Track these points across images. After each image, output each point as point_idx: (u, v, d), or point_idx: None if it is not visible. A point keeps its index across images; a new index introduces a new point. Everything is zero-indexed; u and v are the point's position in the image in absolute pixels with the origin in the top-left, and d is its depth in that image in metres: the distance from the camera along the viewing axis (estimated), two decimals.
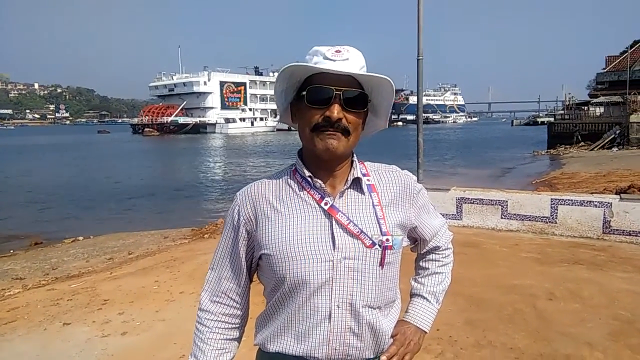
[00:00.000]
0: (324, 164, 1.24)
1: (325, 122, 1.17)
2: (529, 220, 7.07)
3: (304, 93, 1.20)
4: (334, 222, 1.21)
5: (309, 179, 1.24)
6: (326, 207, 1.22)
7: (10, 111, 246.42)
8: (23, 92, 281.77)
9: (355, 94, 1.19)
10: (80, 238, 10.53)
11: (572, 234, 6.77)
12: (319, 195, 1.23)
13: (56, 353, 3.86)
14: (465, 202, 7.50)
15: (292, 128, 1.32)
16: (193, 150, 46.39)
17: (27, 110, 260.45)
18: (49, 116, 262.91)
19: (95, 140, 70.77)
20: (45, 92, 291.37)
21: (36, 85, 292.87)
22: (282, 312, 1.25)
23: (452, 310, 4.12)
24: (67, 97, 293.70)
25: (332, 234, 1.20)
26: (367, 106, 1.24)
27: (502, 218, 7.24)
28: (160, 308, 4.80)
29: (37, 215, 14.41)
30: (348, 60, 1.18)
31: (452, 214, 7.50)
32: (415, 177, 1.40)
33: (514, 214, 7.16)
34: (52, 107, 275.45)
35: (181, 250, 7.96)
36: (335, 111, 1.16)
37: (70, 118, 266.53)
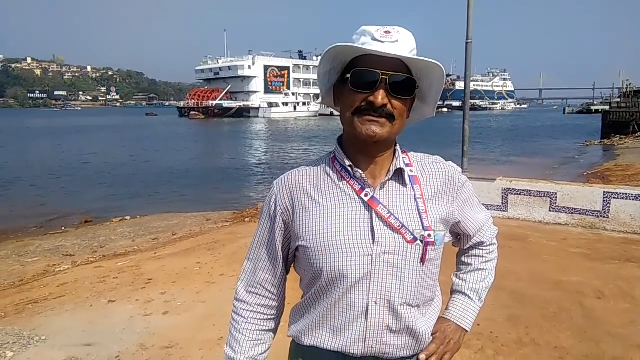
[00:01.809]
0: (365, 150, 1.18)
1: (368, 106, 1.11)
2: (579, 213, 6.77)
3: (348, 76, 1.14)
4: (374, 214, 1.16)
5: (349, 168, 1.19)
6: (366, 199, 1.17)
7: (64, 93, 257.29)
8: (77, 74, 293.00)
9: (402, 79, 1.12)
10: (128, 218, 10.90)
11: (625, 229, 6.44)
12: (359, 186, 1.18)
13: (101, 329, 4.01)
14: (512, 193, 7.25)
15: (335, 113, 1.27)
16: (236, 133, 47.06)
17: (80, 92, 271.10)
18: (100, 98, 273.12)
19: (143, 123, 72.85)
20: (98, 74, 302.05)
21: (89, 68, 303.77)
22: (319, 305, 1.22)
23: (494, 305, 4.00)
24: (118, 80, 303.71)
25: (372, 227, 1.15)
26: (414, 92, 1.17)
27: (550, 211, 6.97)
28: (201, 289, 4.90)
29: (89, 193, 15.00)
30: (397, 43, 1.11)
31: (498, 205, 7.28)
32: (460, 169, 1.32)
33: (563, 207, 6.87)
34: (103, 89, 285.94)
35: (222, 232, 8.10)
36: (380, 96, 1.10)
37: (120, 100, 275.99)
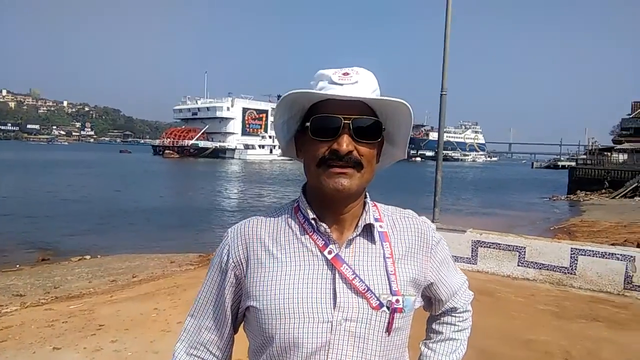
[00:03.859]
0: (331, 204, 1.06)
1: (333, 156, 1.00)
2: (547, 269, 6.76)
3: (308, 124, 1.03)
4: (337, 275, 1.02)
5: (313, 221, 1.06)
6: (330, 257, 1.03)
7: (37, 126, 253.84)
8: (52, 108, 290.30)
9: (368, 123, 1.02)
10: (87, 257, 10.48)
11: (592, 287, 6.44)
12: (323, 242, 1.05)
13: None
14: (481, 246, 7.23)
15: None
16: (210, 174, 46.71)
17: (54, 127, 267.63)
18: (74, 133, 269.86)
19: (116, 159, 71.90)
20: (73, 109, 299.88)
21: (65, 103, 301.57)
22: None
23: None
24: (94, 115, 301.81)
25: (334, 289, 1.01)
26: (381, 135, 1.06)
27: (518, 265, 6.94)
28: (155, 338, 4.63)
29: (51, 230, 14.46)
30: (357, 84, 1.02)
31: (467, 258, 7.23)
32: (434, 226, 1.20)
33: (532, 262, 6.86)
34: (78, 124, 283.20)
35: (185, 276, 7.81)
36: (345, 143, 0.99)
37: (95, 136, 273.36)
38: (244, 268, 1.08)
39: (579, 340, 4.61)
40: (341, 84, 1.01)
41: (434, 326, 1.29)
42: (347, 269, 1.03)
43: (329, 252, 1.04)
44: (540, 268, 6.81)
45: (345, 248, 1.06)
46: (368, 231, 1.09)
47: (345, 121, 1.00)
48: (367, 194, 1.12)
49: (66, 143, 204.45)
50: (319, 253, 1.05)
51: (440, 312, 1.27)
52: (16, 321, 5.42)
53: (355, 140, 1.01)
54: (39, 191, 24.94)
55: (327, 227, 1.05)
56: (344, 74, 1.03)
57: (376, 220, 1.11)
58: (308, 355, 1.01)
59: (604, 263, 6.40)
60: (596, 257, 6.46)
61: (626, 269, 6.24)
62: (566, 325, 5.11)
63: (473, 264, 7.22)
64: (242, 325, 1.17)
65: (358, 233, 1.07)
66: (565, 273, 6.64)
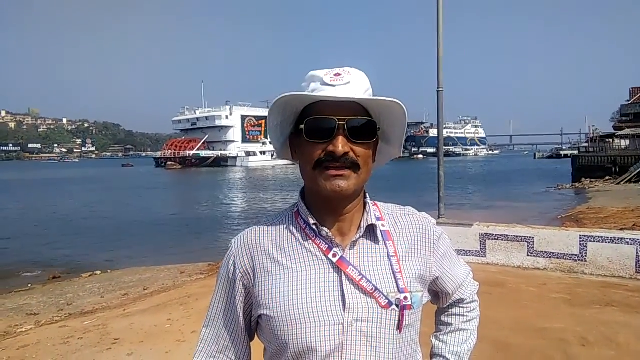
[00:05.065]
0: (330, 206, 1.06)
1: (329, 157, 1.01)
2: (557, 257, 6.75)
3: (302, 126, 1.03)
4: (344, 277, 1.03)
5: (314, 227, 1.07)
6: (335, 260, 1.04)
7: (39, 145, 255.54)
8: (52, 127, 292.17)
9: (362, 123, 1.02)
10: (98, 272, 10.51)
11: (603, 273, 6.42)
12: (326, 246, 1.06)
13: None
14: (490, 239, 7.22)
15: None
16: (213, 183, 46.76)
17: (55, 145, 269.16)
18: (75, 150, 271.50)
19: (119, 174, 72.10)
20: (73, 127, 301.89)
21: (64, 120, 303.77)
22: None
23: (476, 356, 3.83)
24: (94, 131, 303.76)
25: (342, 291, 1.02)
26: (376, 135, 1.06)
27: (528, 255, 6.93)
28: (171, 349, 4.64)
29: (61, 247, 14.51)
30: (350, 84, 1.02)
31: (476, 251, 7.23)
32: (434, 221, 1.21)
33: (541, 251, 6.85)
34: (79, 141, 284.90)
35: (197, 286, 7.82)
36: (340, 145, 0.99)
37: (96, 152, 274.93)
38: (252, 277, 1.09)
39: (594, 326, 4.59)
40: (333, 85, 1.02)
41: (443, 318, 1.31)
42: (353, 270, 1.04)
43: (334, 255, 1.05)
44: (550, 257, 6.80)
45: (350, 250, 1.07)
46: (371, 231, 1.10)
47: (340, 122, 1.00)
48: (366, 194, 1.13)
49: (77, 161, 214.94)
50: (323, 257, 1.06)
51: (448, 304, 1.29)
52: (32, 340, 5.44)
53: (351, 141, 1.01)
54: (48, 209, 25.03)
55: (328, 231, 1.06)
56: (335, 74, 1.03)
57: (378, 219, 1.12)
58: (323, 358, 1.02)
59: (614, 248, 6.38)
60: (606, 242, 6.45)
61: (637, 252, 6.22)
62: (580, 312, 5.09)
63: (482, 256, 7.21)
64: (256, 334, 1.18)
65: (361, 234, 1.08)
66: (575, 260, 6.62)
